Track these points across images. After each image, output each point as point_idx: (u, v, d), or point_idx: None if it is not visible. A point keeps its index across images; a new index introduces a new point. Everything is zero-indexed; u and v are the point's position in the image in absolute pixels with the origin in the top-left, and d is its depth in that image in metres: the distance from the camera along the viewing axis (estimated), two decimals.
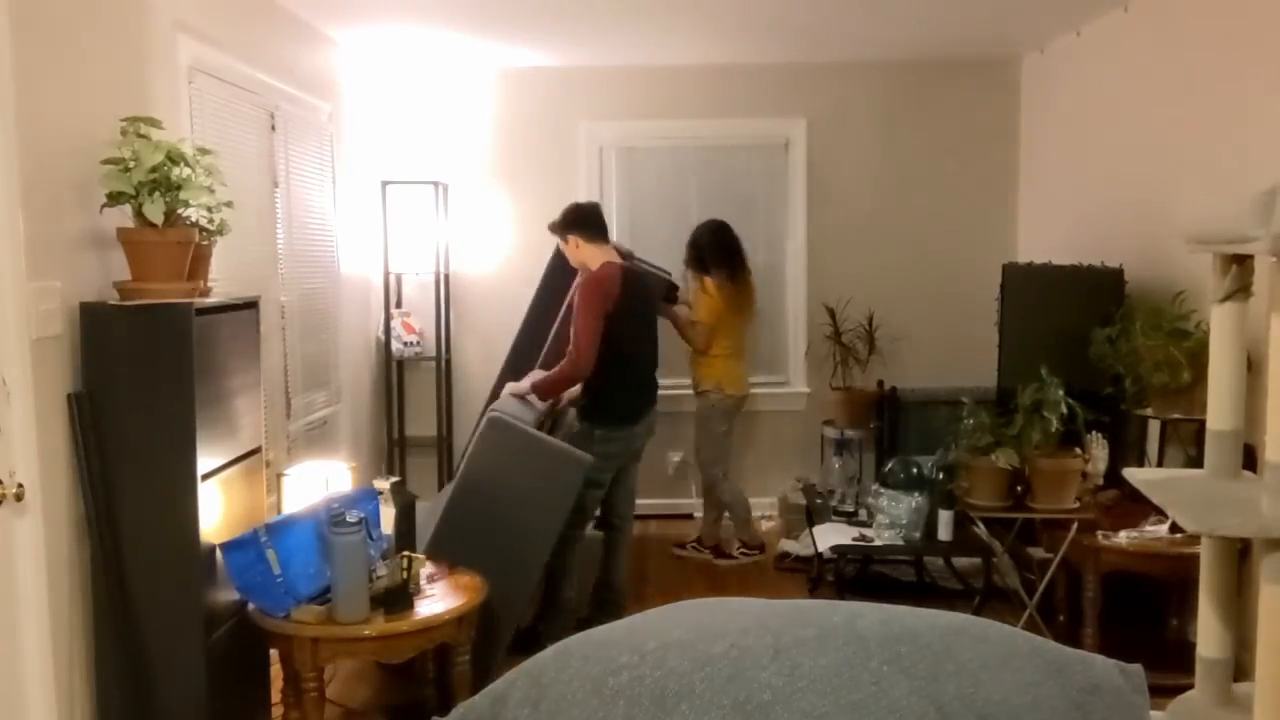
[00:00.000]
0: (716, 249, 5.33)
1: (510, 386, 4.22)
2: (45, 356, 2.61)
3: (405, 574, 3.12)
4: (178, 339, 2.73)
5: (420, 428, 6.04)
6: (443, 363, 5.97)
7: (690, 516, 5.96)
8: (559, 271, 4.80)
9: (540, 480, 3.68)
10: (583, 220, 4.27)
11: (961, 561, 4.85)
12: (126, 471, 2.74)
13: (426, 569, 3.32)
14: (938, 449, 4.21)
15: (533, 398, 4.15)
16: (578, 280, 4.28)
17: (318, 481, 3.63)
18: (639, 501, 4.62)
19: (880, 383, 5.87)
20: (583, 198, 6.07)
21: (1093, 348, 4.05)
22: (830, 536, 4.46)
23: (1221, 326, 1.68)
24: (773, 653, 1.33)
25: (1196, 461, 2.65)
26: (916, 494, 4.24)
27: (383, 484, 3.38)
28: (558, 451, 3.75)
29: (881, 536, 4.30)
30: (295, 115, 4.59)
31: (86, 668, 2.78)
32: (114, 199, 2.73)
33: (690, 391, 5.43)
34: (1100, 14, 4.88)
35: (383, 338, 5.93)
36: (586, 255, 4.24)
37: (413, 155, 6.01)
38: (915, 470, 4.36)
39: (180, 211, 2.80)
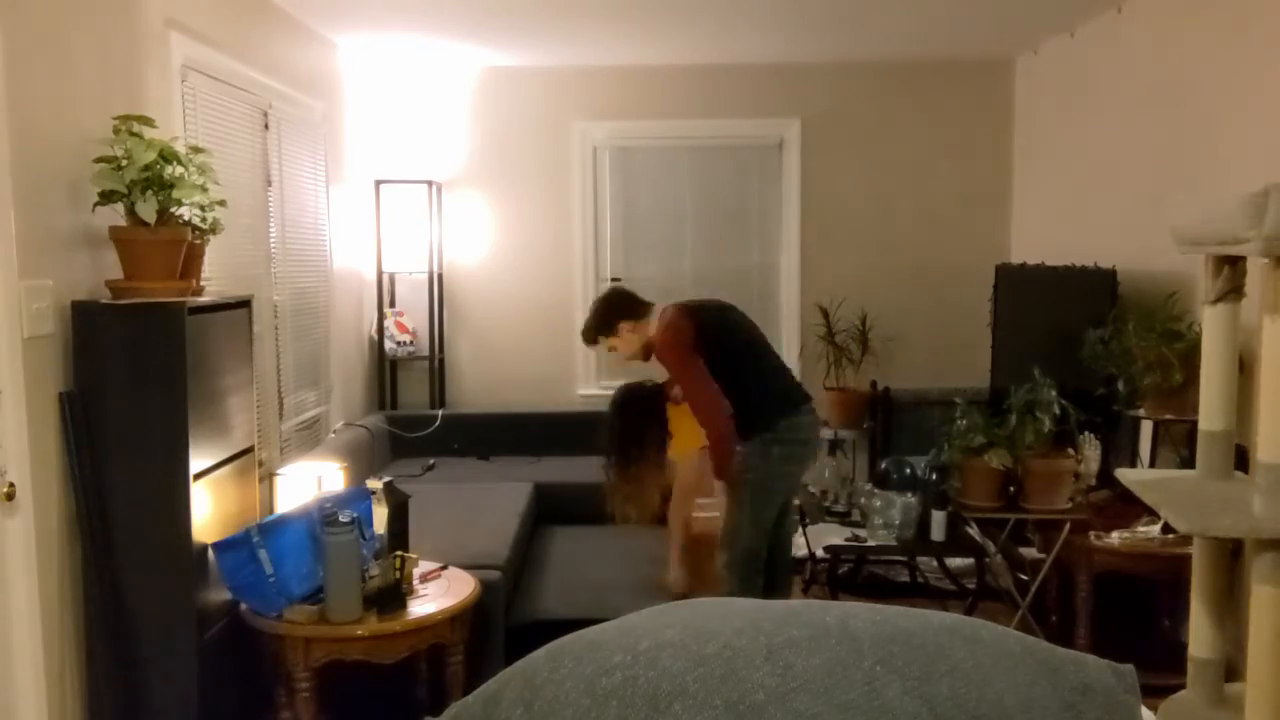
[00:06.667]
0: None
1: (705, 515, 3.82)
2: (37, 355, 2.61)
3: (398, 574, 3.12)
4: (170, 338, 2.73)
5: None
6: (436, 362, 5.97)
7: None
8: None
9: None
10: (621, 304, 3.82)
11: (954, 562, 4.86)
12: (118, 471, 2.73)
13: (419, 568, 3.32)
14: (931, 449, 4.22)
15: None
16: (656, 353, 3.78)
17: (310, 481, 3.63)
18: None
19: (873, 383, 5.88)
20: (576, 197, 6.13)
21: (1085, 348, 4.06)
22: (824, 537, 4.47)
23: (1214, 328, 1.69)
24: (766, 653, 1.33)
25: (1189, 462, 2.66)
26: (909, 494, 4.25)
27: (375, 483, 3.38)
28: None
29: (875, 537, 4.31)
30: (289, 114, 4.58)
31: (78, 668, 2.77)
32: (106, 197, 2.73)
33: None
34: (1093, 15, 4.89)
35: (376, 337, 5.93)
36: (646, 334, 3.76)
37: (407, 154, 6.00)
38: (908, 471, 4.37)
39: (173, 210, 2.79)
